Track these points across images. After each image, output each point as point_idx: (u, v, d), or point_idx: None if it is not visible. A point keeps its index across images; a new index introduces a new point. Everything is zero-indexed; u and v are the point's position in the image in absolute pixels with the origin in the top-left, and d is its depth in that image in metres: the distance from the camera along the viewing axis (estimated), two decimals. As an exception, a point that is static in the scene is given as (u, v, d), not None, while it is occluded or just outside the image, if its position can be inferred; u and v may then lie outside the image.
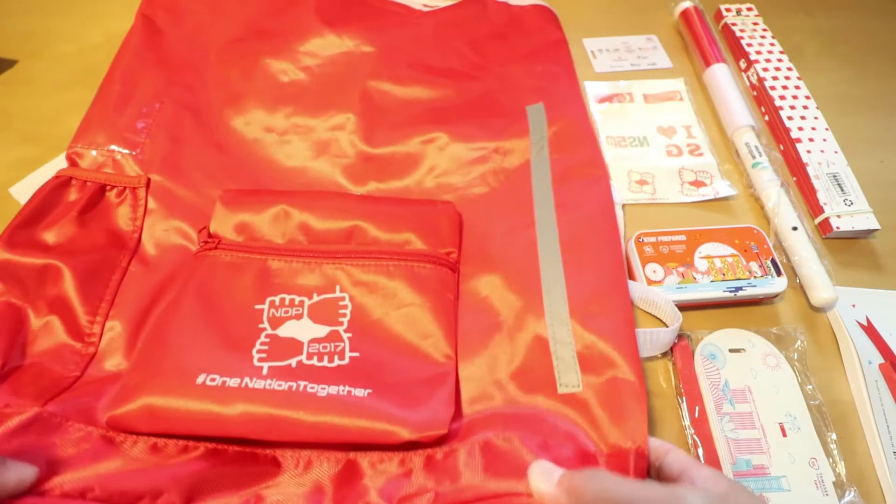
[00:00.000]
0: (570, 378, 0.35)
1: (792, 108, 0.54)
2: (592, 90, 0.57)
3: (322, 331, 0.36)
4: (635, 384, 0.33)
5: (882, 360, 0.40)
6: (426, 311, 0.37)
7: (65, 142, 0.45)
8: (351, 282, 0.39)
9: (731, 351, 0.40)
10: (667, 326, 0.40)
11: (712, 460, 0.35)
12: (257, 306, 0.37)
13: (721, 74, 0.55)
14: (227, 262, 0.39)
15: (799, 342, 0.40)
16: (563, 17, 0.60)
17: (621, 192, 0.49)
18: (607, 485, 0.25)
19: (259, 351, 0.35)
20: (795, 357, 0.39)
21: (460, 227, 0.43)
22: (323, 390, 0.32)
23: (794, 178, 0.50)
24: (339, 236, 0.40)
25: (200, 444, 0.32)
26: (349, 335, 0.36)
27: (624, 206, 0.48)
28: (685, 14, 0.62)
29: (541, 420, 0.33)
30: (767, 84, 0.56)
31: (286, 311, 0.37)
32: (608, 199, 0.43)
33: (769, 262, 0.42)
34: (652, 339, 0.39)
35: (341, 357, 0.35)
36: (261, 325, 0.36)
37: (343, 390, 0.33)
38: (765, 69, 0.57)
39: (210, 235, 0.40)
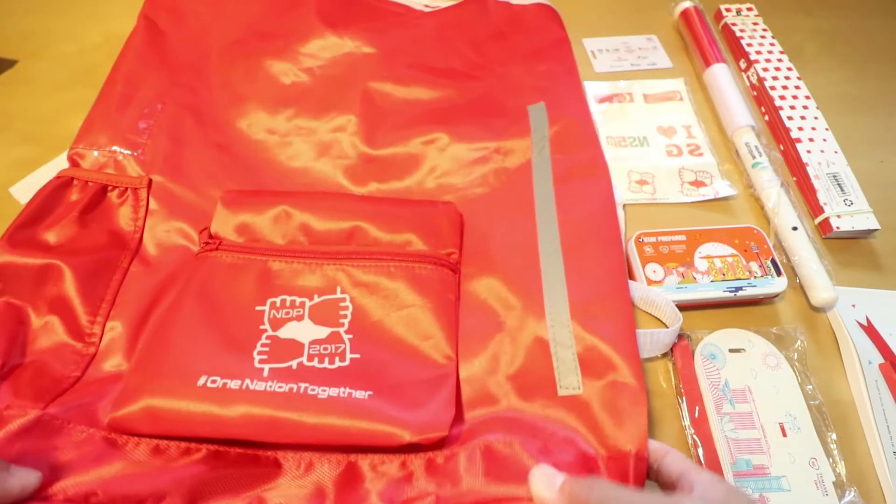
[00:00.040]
0: (570, 380, 0.35)
1: (792, 108, 0.54)
2: (592, 90, 0.57)
3: (323, 332, 0.36)
4: (636, 387, 0.33)
5: (882, 360, 0.40)
6: (427, 312, 0.37)
7: (65, 142, 0.45)
8: (352, 283, 0.39)
9: (731, 351, 0.40)
10: (667, 327, 0.40)
11: (712, 460, 0.35)
12: (258, 307, 0.37)
13: (721, 74, 0.55)
14: (228, 263, 0.39)
15: (799, 342, 0.40)
16: (563, 17, 0.59)
17: (621, 192, 0.49)
18: (609, 493, 0.25)
19: (260, 352, 0.35)
20: (795, 357, 0.40)
21: (461, 228, 0.43)
22: (324, 392, 0.32)
23: (794, 178, 0.51)
24: (339, 237, 0.40)
25: (202, 446, 0.32)
26: (350, 336, 0.36)
27: (624, 206, 0.48)
28: (685, 14, 0.62)
29: (540, 424, 0.33)
30: (767, 84, 0.56)
31: (287, 313, 0.37)
32: (610, 199, 0.43)
33: (769, 262, 0.42)
34: (652, 340, 0.39)
35: (342, 358, 0.35)
36: (262, 327, 0.36)
37: (344, 392, 0.33)
38: (765, 69, 0.57)
39: (211, 236, 0.40)
